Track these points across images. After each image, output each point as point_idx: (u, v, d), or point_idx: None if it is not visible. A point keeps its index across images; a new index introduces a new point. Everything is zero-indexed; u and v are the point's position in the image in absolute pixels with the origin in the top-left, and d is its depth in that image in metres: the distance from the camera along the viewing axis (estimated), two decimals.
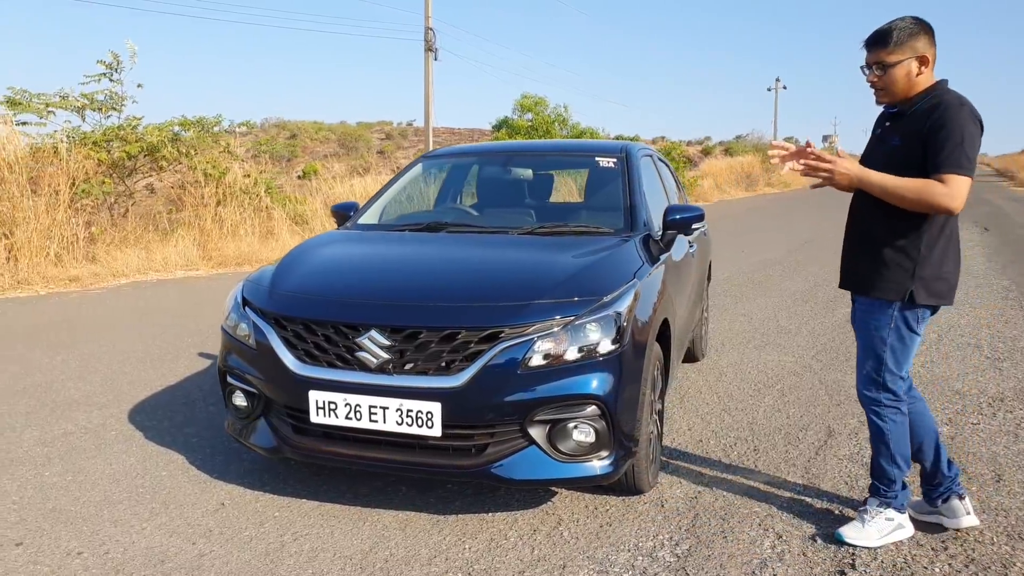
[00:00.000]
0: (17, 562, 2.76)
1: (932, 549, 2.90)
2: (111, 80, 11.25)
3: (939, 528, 3.03)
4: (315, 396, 2.94)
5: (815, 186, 2.88)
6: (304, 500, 3.28)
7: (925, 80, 2.70)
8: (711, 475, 3.60)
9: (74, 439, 3.99)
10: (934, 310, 2.85)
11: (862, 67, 2.78)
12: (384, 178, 16.44)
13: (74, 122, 11.27)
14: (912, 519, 3.03)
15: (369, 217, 4.24)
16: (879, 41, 2.69)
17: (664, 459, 3.77)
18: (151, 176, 12.09)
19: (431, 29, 21.15)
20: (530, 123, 26.49)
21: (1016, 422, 4.31)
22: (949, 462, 3.01)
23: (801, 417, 4.46)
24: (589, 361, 2.86)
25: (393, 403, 2.86)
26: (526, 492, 3.33)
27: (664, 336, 3.59)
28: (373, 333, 2.88)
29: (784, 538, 2.99)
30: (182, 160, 11.70)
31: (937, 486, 3.00)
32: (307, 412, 2.97)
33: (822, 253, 11.81)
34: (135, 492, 3.34)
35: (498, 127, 26.63)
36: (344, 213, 4.31)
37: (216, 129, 12.24)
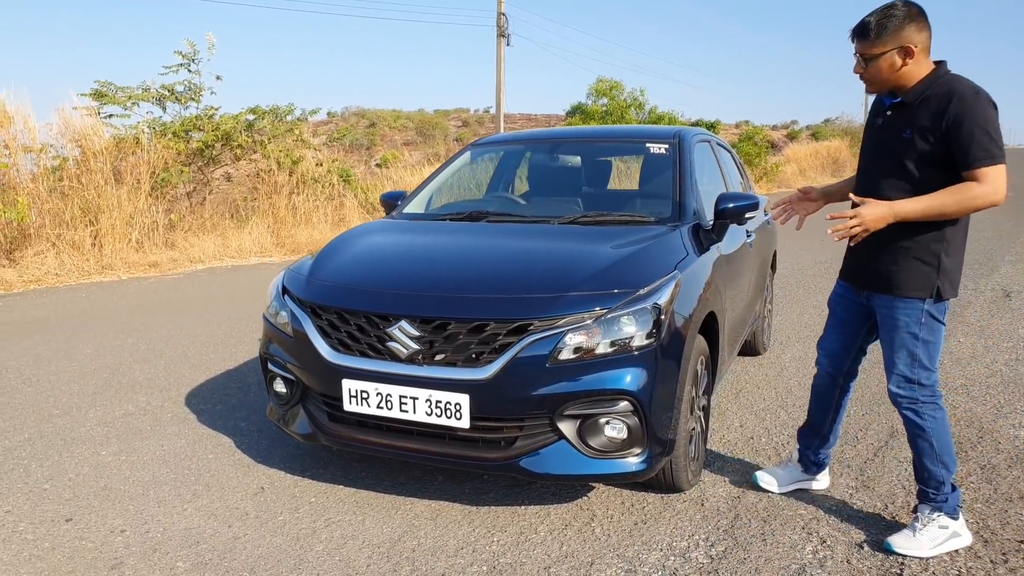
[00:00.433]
0: (65, 537, 2.88)
1: (991, 561, 2.72)
2: (189, 71, 11.64)
3: (996, 539, 2.85)
4: (348, 385, 2.96)
5: (854, 244, 2.75)
6: (341, 487, 3.31)
7: (917, 68, 2.59)
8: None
9: (133, 420, 4.14)
10: None
11: (855, 53, 2.66)
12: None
13: (156, 113, 11.73)
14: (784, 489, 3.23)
15: (415, 206, 4.24)
16: (861, 33, 2.60)
17: (711, 456, 3.66)
18: (228, 165, 12.46)
19: (503, 14, 21.08)
20: (605, 108, 26.17)
21: None
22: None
23: (863, 416, 4.25)
24: (622, 355, 2.78)
25: (423, 394, 2.85)
26: (561, 487, 3.28)
27: (711, 330, 3.47)
28: (403, 324, 2.88)
29: (828, 543, 2.85)
30: (256, 149, 12.02)
31: (824, 458, 3.23)
32: (340, 400, 3.00)
33: None
34: (181, 473, 3.44)
35: (572, 113, 26.42)
36: (392, 202, 4.32)
37: (289, 118, 12.50)
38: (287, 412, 3.28)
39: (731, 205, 3.60)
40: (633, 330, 2.81)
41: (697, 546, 2.84)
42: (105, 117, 11.00)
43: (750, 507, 3.15)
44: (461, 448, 2.90)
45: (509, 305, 2.84)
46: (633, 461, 2.85)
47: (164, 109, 11.89)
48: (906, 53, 2.56)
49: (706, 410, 3.46)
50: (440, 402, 2.83)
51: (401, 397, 2.88)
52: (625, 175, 6.46)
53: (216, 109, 12.09)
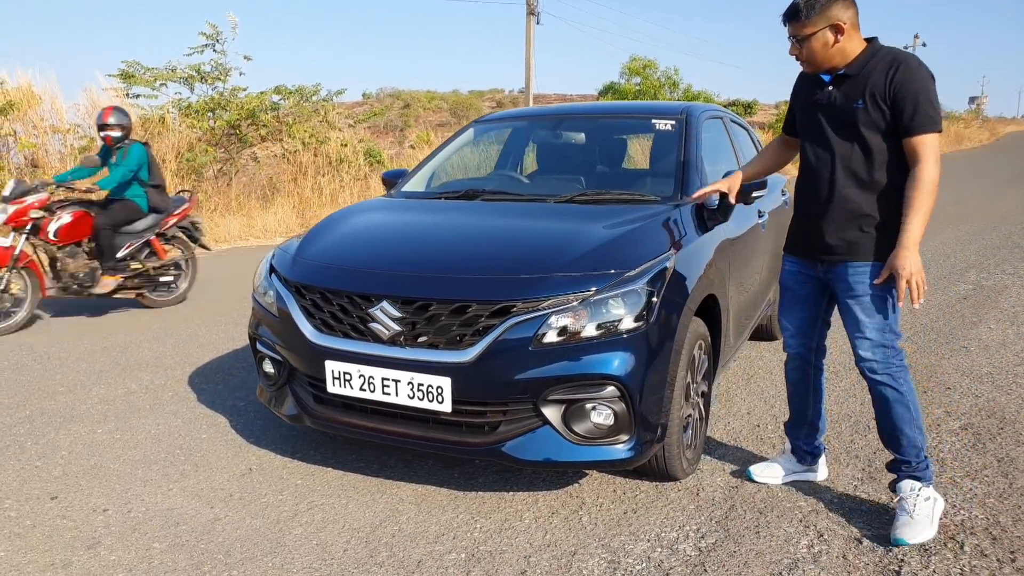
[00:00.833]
0: (48, 515, 2.87)
1: (997, 560, 2.58)
2: (214, 51, 11.67)
3: (1005, 536, 2.70)
4: (331, 366, 2.90)
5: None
6: (329, 469, 3.27)
7: (851, 44, 2.64)
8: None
9: (133, 398, 4.15)
10: None
11: (789, 37, 2.70)
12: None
13: (184, 94, 11.81)
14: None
15: (414, 184, 4.15)
16: (792, 15, 2.65)
17: (713, 443, 3.54)
18: (255, 146, 12.51)
19: None
20: (638, 87, 25.85)
21: None
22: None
23: None
24: (609, 339, 2.68)
25: (405, 376, 2.77)
26: (552, 473, 3.19)
27: (713, 313, 3.35)
28: (385, 304, 2.80)
29: (825, 537, 2.73)
30: (282, 129, 12.04)
31: (818, 446, 3.14)
32: (324, 382, 2.94)
33: (949, 226, 10.89)
34: (172, 453, 3.43)
35: (604, 92, 26.13)
36: (393, 180, 4.24)
37: (315, 98, 12.49)
38: (275, 393, 3.24)
39: None
40: (621, 312, 2.70)
41: (687, 537, 2.73)
42: (133, 97, 11.09)
43: (747, 498, 3.03)
44: (444, 432, 2.83)
45: (491, 286, 2.74)
46: (620, 448, 2.75)
47: (192, 89, 11.98)
48: (837, 30, 2.60)
49: (706, 396, 3.34)
50: (422, 385, 2.75)
51: (383, 379, 2.82)
52: (642, 154, 6.30)
53: (243, 89, 12.15)
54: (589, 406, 2.71)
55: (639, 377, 2.70)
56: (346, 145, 12.95)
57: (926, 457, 2.80)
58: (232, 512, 2.90)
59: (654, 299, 2.75)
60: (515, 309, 2.68)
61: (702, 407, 3.30)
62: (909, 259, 2.56)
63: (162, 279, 6.34)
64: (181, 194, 6.81)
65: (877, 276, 2.69)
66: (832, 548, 2.66)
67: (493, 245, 3.06)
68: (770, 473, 3.17)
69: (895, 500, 2.82)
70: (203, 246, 6.87)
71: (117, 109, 6.14)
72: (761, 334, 5.11)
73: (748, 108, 32.78)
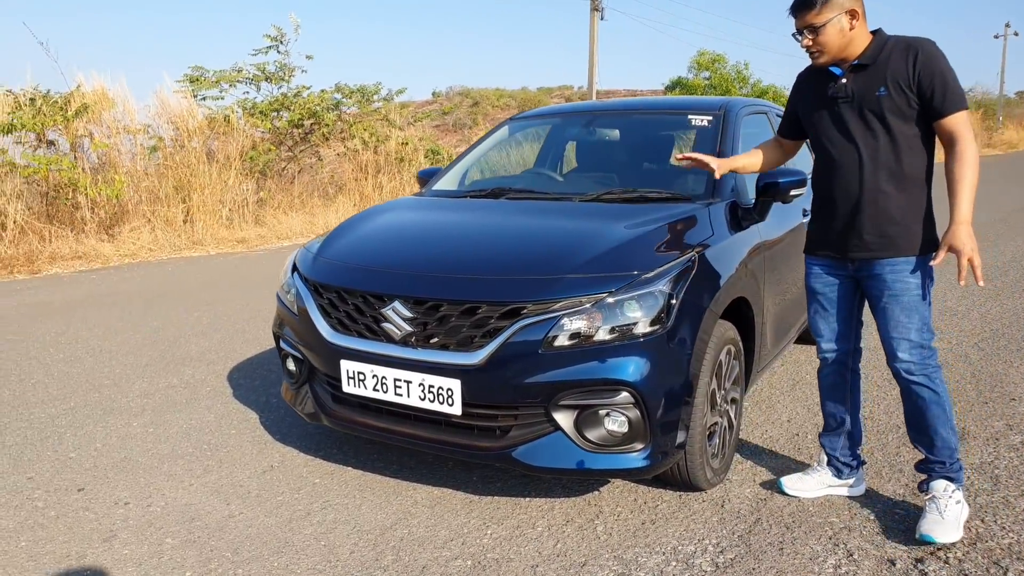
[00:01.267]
0: (72, 506, 2.94)
1: None
2: (278, 52, 11.93)
3: None
4: (346, 365, 2.88)
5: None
6: (349, 468, 3.26)
7: (862, 33, 2.58)
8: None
9: (172, 392, 4.23)
10: None
11: (793, 34, 2.63)
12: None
13: (251, 95, 12.11)
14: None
15: (446, 183, 4.11)
16: (804, 5, 2.56)
17: (748, 451, 3.39)
18: (317, 145, 12.74)
19: None
20: (707, 81, 25.33)
21: None
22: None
23: None
24: (623, 343, 2.57)
25: (416, 377, 2.73)
26: (569, 480, 3.10)
27: (745, 317, 3.21)
28: (397, 304, 2.77)
29: (855, 557, 2.57)
30: (343, 128, 12.23)
31: (856, 458, 3.00)
32: (340, 381, 2.93)
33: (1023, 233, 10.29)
34: (199, 448, 3.48)
35: (671, 87, 25.71)
36: (426, 179, 4.21)
37: (375, 97, 12.64)
38: (297, 391, 3.24)
39: (772, 181, 3.29)
40: (637, 316, 2.59)
41: (704, 551, 2.61)
42: (200, 99, 11.43)
43: (775, 511, 2.88)
44: (455, 436, 2.78)
45: (502, 287, 2.67)
46: (635, 456, 2.64)
47: (258, 89, 12.27)
48: (852, 15, 2.54)
49: (736, 403, 3.20)
50: (432, 387, 2.71)
51: (396, 380, 2.78)
52: (689, 151, 6.11)
53: (306, 88, 12.38)
54: (603, 412, 2.61)
55: (655, 383, 2.59)
56: (406, 143, 13.06)
57: (959, 459, 2.74)
58: (247, 509, 2.91)
59: (673, 302, 2.64)
60: (525, 311, 2.60)
61: (732, 415, 3.16)
62: (966, 234, 2.47)
63: None
64: None
65: (918, 270, 2.61)
66: (861, 570, 2.50)
67: (507, 245, 2.99)
68: (802, 486, 3.01)
69: (925, 498, 2.74)
70: None
71: None
72: (809, 338, 4.88)
73: None
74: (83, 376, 4.55)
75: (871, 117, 2.58)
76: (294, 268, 3.28)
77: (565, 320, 2.57)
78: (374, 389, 2.84)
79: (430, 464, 3.28)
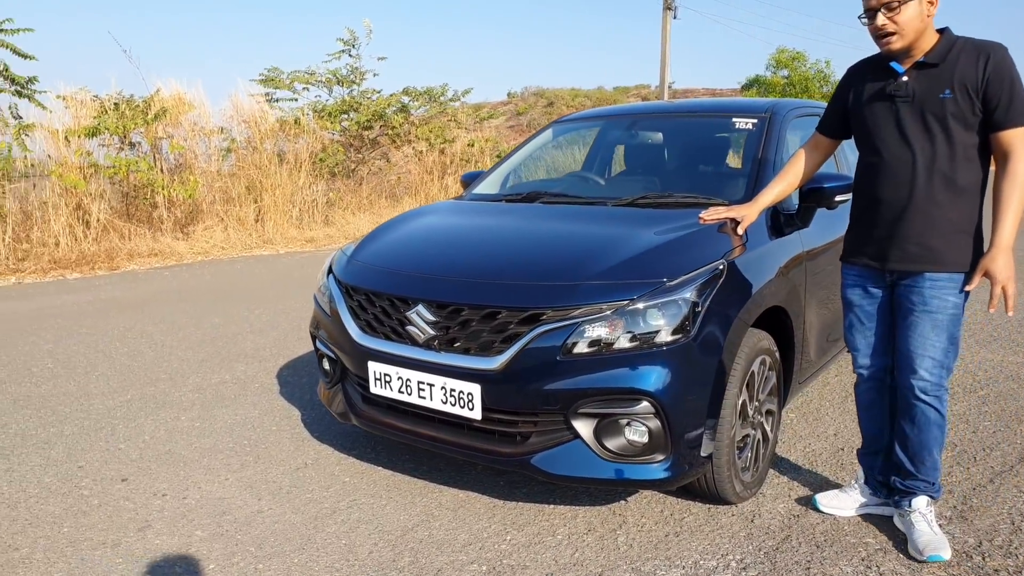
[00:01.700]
0: (114, 496, 3.07)
1: None
2: (350, 56, 12.19)
3: None
4: (373, 367, 2.92)
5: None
6: (379, 468, 3.30)
7: (932, 27, 2.44)
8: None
9: (223, 388, 4.37)
10: None
11: (861, 16, 2.47)
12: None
13: (323, 97, 12.43)
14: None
15: (486, 186, 4.11)
16: None
17: (786, 465, 3.29)
18: (385, 146, 12.97)
19: None
20: (786, 80, 24.70)
21: None
22: None
23: (993, 433, 3.66)
24: (644, 351, 2.53)
25: (438, 381, 2.75)
26: (589, 489, 3.07)
27: (783, 326, 3.11)
28: (420, 308, 2.79)
29: None
30: (410, 129, 12.41)
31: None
32: (368, 382, 2.97)
33: None
34: (240, 443, 3.58)
35: (748, 85, 25.15)
36: (469, 182, 4.23)
37: (442, 99, 12.78)
38: (331, 391, 3.30)
39: (817, 186, 3.18)
40: (659, 324, 2.54)
41: (727, 567, 2.54)
42: (274, 101, 11.78)
43: (807, 529, 2.78)
44: (477, 440, 2.78)
45: (523, 292, 2.66)
46: (655, 468, 2.59)
47: (330, 92, 12.58)
48: (930, 3, 2.40)
49: (772, 415, 3.10)
50: (454, 391, 2.72)
51: (419, 383, 2.80)
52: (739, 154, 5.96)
53: (377, 91, 12.63)
54: (623, 421, 2.57)
55: (677, 393, 2.53)
56: (472, 145, 13.16)
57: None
58: (276, 505, 2.98)
59: (698, 310, 2.58)
60: (544, 317, 2.58)
61: (767, 427, 3.07)
62: (1004, 261, 2.39)
63: None
64: None
65: (958, 288, 2.49)
66: None
67: (531, 250, 2.97)
68: (839, 503, 2.90)
69: (906, 514, 2.70)
70: None
71: None
72: None
73: None
74: (143, 370, 4.74)
75: (931, 120, 2.43)
76: (329, 270, 3.34)
77: (585, 327, 2.54)
78: (399, 391, 2.87)
79: (459, 467, 3.29)
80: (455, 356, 2.71)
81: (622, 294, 2.58)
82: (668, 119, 4.24)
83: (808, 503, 2.96)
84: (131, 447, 3.54)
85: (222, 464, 3.35)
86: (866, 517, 2.86)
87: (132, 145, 10.10)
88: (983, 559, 2.56)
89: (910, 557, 2.58)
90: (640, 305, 2.56)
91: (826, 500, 2.91)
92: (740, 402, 2.80)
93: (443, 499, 3.03)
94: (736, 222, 2.95)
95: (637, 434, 2.57)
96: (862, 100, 2.61)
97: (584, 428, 2.59)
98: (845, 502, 2.89)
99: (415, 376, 2.81)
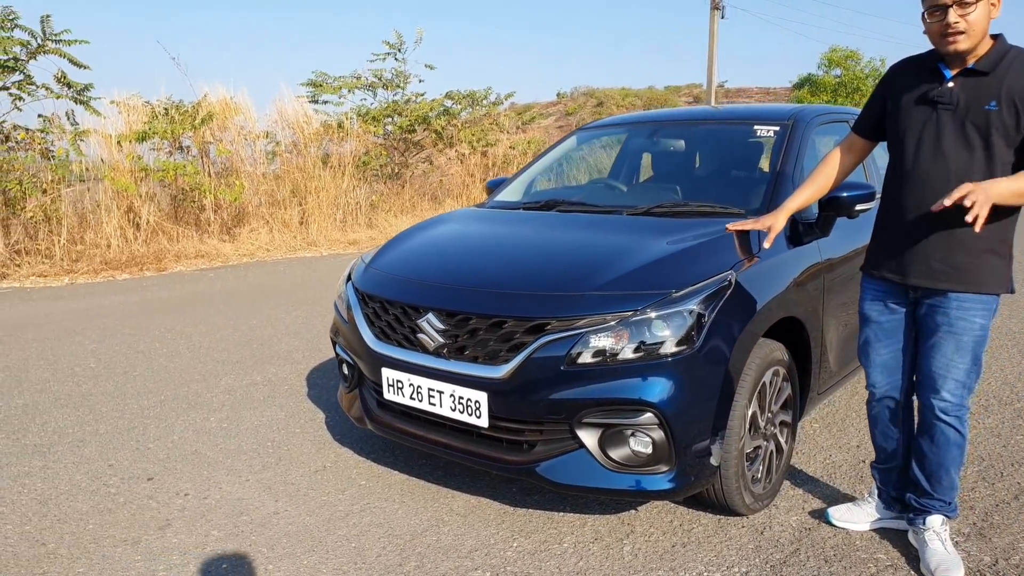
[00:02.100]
0: (139, 495, 3.18)
1: None
2: (396, 59, 12.35)
3: None
4: (386, 373, 2.98)
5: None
6: (395, 472, 3.36)
7: (988, 32, 2.32)
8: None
9: (253, 390, 4.49)
10: None
11: (925, 13, 2.32)
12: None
13: (368, 101, 12.61)
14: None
15: (509, 193, 4.14)
16: None
17: (802, 477, 3.25)
18: (429, 150, 13.11)
19: None
20: (838, 79, 24.20)
21: None
22: None
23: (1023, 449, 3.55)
24: (648, 362, 2.53)
25: (448, 388, 2.79)
26: (598, 498, 3.07)
27: (798, 337, 3.08)
28: (430, 316, 2.83)
29: None
30: (453, 133, 12.52)
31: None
32: (382, 388, 3.03)
33: None
34: (263, 445, 3.67)
35: (800, 85, 24.70)
36: (493, 189, 4.27)
37: (485, 102, 12.86)
38: (349, 395, 3.37)
39: (836, 195, 3.13)
40: (664, 335, 2.54)
41: None
42: (320, 104, 12.01)
43: (817, 543, 2.75)
44: (485, 447, 2.81)
45: (529, 302, 2.69)
46: (659, 478, 2.59)
47: (374, 96, 12.76)
48: (992, 5, 2.28)
49: (787, 427, 3.07)
50: (462, 398, 2.76)
51: (430, 390, 2.85)
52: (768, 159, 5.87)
53: (421, 94, 12.76)
54: (628, 432, 2.58)
55: (682, 404, 2.53)
56: (514, 147, 13.21)
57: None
58: (292, 507, 3.06)
59: (704, 321, 2.57)
60: (549, 327, 2.61)
61: (781, 439, 3.04)
62: (986, 187, 2.16)
63: None
64: None
65: (986, 309, 2.43)
66: None
67: (540, 260, 2.99)
68: (852, 517, 2.85)
69: (920, 532, 2.64)
70: None
71: None
72: None
73: None
74: (178, 371, 4.89)
75: (972, 132, 2.33)
76: (348, 277, 3.41)
77: (589, 337, 2.56)
78: (411, 397, 2.92)
79: (472, 473, 3.33)
80: (464, 364, 2.75)
81: (628, 305, 2.58)
82: (691, 127, 4.22)
83: (821, 516, 2.92)
84: (160, 447, 3.67)
85: (245, 465, 3.45)
86: (880, 532, 2.81)
87: (182, 149, 10.40)
88: None
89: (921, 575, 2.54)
90: (645, 316, 2.56)
91: (839, 514, 2.87)
92: (750, 413, 2.78)
93: (455, 504, 3.07)
94: (762, 233, 2.90)
95: (641, 445, 2.58)
96: (901, 102, 2.49)
97: (589, 438, 2.61)
98: (859, 516, 2.85)
99: (426, 383, 2.85)
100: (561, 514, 2.98)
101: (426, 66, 12.81)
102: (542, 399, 2.60)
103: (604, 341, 2.56)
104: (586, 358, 2.56)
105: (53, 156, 9.34)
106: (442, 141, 12.66)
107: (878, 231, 2.66)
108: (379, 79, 12.54)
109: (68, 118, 9.92)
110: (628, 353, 2.54)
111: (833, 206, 3.17)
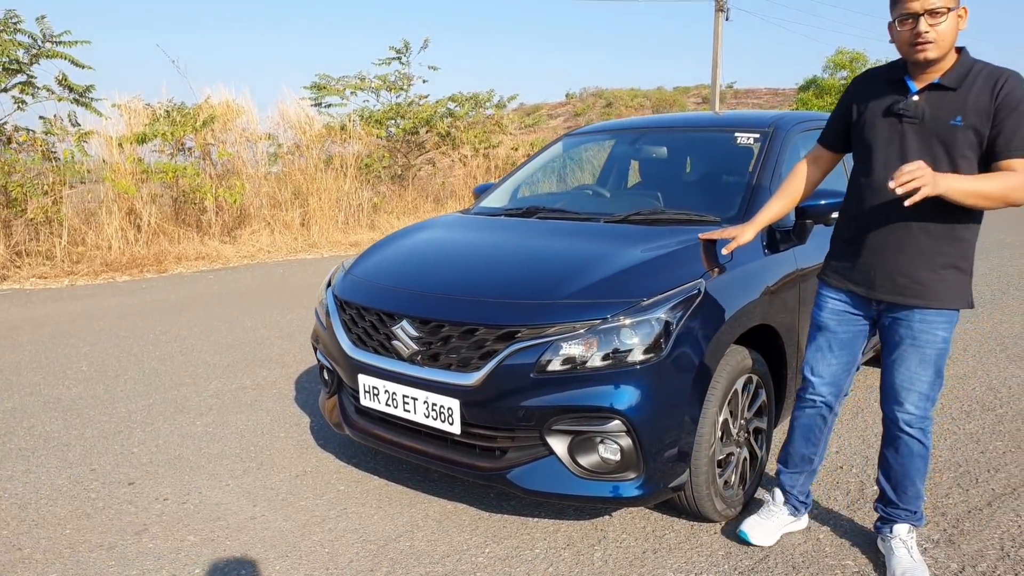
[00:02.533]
0: (118, 500, 3.22)
1: None
2: (400, 63, 12.39)
3: None
4: (363, 380, 3.01)
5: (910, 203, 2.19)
6: (375, 478, 3.38)
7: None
8: (824, 511, 3.03)
9: (241, 394, 4.52)
10: None
11: (894, 21, 2.31)
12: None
13: (371, 103, 12.66)
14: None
15: (494, 199, 4.16)
16: None
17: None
18: (431, 151, 13.14)
19: None
20: (843, 81, 24.11)
21: None
22: None
23: (1003, 454, 3.55)
24: (616, 370, 2.55)
25: (421, 395, 2.81)
26: (568, 504, 3.09)
27: (773, 344, 3.09)
28: (404, 323, 2.86)
29: None
30: (456, 135, 12.55)
31: (810, 496, 2.93)
32: (359, 394, 3.05)
33: None
34: (247, 449, 3.70)
35: (805, 87, 24.62)
36: (480, 194, 4.29)
37: (488, 104, 12.89)
38: (328, 401, 3.40)
39: (813, 203, 3.13)
40: (632, 343, 2.56)
41: None
42: (324, 107, 12.06)
43: (787, 549, 2.76)
44: (458, 454, 2.83)
45: (500, 310, 2.71)
46: (628, 485, 2.61)
47: (378, 98, 12.81)
48: (961, 17, 2.27)
49: (759, 433, 3.08)
50: (436, 405, 2.78)
51: (404, 396, 2.87)
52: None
53: (424, 97, 12.80)
54: (597, 439, 2.60)
55: (649, 412, 2.54)
56: (517, 149, 13.23)
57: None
58: (270, 512, 3.08)
59: (672, 329, 2.58)
60: (520, 334, 2.62)
61: (754, 445, 3.05)
62: (939, 176, 2.14)
63: None
64: None
65: (949, 324, 2.44)
66: None
67: (514, 268, 3.01)
68: (762, 532, 2.79)
69: (888, 540, 2.66)
70: None
71: None
72: (878, 361, 4.60)
73: None
74: (169, 374, 4.93)
75: (937, 147, 2.31)
76: (329, 283, 3.44)
77: (559, 345, 2.57)
78: (386, 404, 2.95)
79: (451, 479, 3.35)
80: (437, 371, 2.77)
81: (597, 313, 2.60)
82: (674, 134, 4.22)
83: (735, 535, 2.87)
84: (143, 451, 3.70)
85: (226, 470, 3.48)
86: (854, 539, 2.82)
87: (183, 150, 10.45)
88: None
89: None
90: (613, 324, 2.57)
91: (753, 529, 2.79)
92: (721, 420, 2.79)
93: (430, 510, 3.09)
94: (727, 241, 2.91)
95: (610, 452, 2.59)
96: (866, 114, 2.48)
97: (558, 445, 2.63)
98: (769, 528, 2.80)
99: (400, 390, 2.88)
100: (536, 520, 3.00)
101: (429, 67, 12.89)
102: (512, 406, 2.62)
103: (573, 349, 2.57)
104: (556, 366, 2.57)
105: (56, 158, 9.41)
106: (445, 143, 12.69)
107: (840, 241, 2.63)
108: (383, 81, 12.59)
109: (70, 119, 9.99)
110: (597, 361, 2.56)
111: (810, 214, 3.18)
